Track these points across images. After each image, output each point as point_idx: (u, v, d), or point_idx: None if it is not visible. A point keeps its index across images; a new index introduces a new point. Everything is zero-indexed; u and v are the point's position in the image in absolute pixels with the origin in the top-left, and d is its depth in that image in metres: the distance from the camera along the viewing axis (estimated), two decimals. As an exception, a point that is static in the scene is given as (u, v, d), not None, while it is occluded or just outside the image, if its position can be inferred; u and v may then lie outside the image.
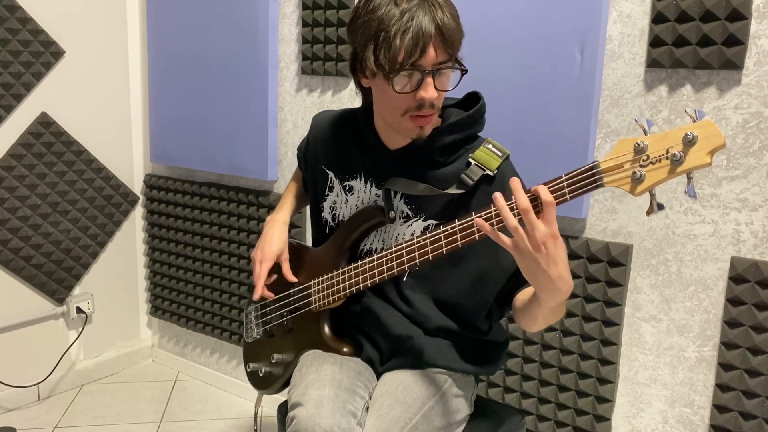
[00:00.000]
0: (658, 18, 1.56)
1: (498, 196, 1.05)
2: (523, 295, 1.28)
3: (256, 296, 1.46)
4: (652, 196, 1.02)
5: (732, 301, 1.57)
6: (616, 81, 1.66)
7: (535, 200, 1.03)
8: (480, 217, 1.13)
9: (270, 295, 1.47)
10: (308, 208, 1.58)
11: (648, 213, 1.02)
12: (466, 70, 1.23)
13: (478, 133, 1.36)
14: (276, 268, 1.48)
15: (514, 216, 1.04)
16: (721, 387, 1.60)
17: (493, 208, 1.11)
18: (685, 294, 1.64)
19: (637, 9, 1.61)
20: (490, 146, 1.30)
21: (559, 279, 1.05)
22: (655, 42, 1.58)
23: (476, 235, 1.14)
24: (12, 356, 2.48)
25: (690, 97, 1.57)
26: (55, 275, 2.56)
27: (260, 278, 1.45)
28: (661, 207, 1.01)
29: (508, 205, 1.04)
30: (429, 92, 1.19)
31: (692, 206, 1.60)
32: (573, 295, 1.76)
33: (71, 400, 2.59)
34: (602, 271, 1.72)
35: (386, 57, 1.17)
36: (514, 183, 1.04)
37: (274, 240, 1.48)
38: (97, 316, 2.74)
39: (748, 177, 1.53)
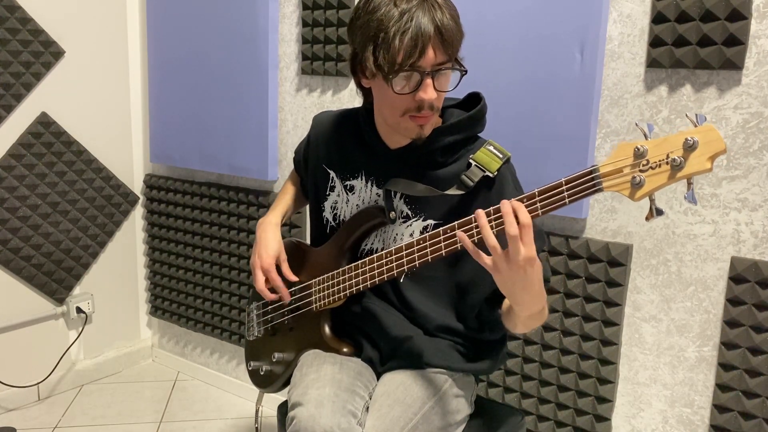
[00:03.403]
0: (658, 18, 1.56)
1: (480, 214, 1.07)
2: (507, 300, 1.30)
3: (286, 300, 1.47)
4: (652, 201, 1.01)
5: (732, 301, 1.57)
6: (616, 81, 1.66)
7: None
8: (463, 228, 1.14)
9: (287, 296, 1.47)
10: (308, 207, 1.58)
11: (647, 218, 1.02)
12: (466, 71, 1.23)
13: (479, 134, 1.36)
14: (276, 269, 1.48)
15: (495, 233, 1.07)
16: (721, 387, 1.60)
17: (474, 223, 1.12)
18: (685, 294, 1.64)
19: (637, 9, 1.61)
20: (491, 147, 1.30)
21: (534, 297, 1.11)
22: (655, 42, 1.58)
23: (475, 238, 1.14)
24: (12, 356, 2.48)
25: (690, 97, 1.57)
26: (55, 275, 2.56)
27: (280, 285, 1.45)
28: (660, 212, 1.01)
29: (489, 219, 1.07)
30: (428, 93, 1.19)
31: (692, 206, 1.60)
32: (573, 295, 1.77)
33: (71, 400, 2.59)
34: (602, 271, 1.72)
35: (385, 58, 1.16)
36: (505, 207, 1.04)
37: (269, 243, 1.48)
38: (97, 316, 2.74)
39: (748, 177, 1.53)
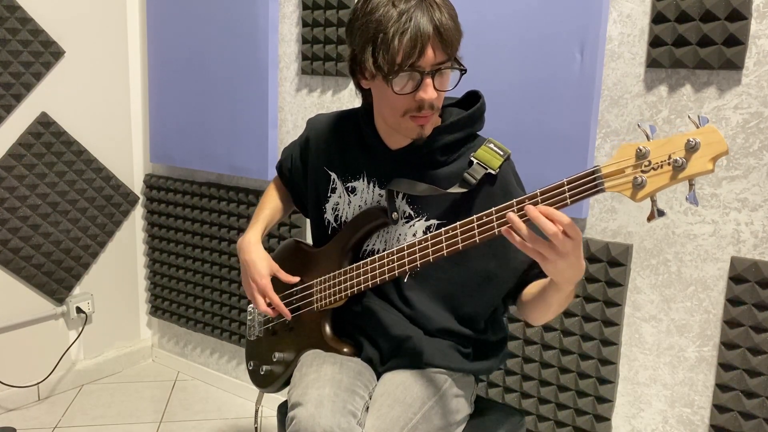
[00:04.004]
0: (658, 18, 1.56)
1: (531, 209, 1.05)
2: (532, 288, 1.29)
3: (289, 317, 1.46)
4: (653, 202, 1.01)
5: (732, 301, 1.57)
6: (616, 81, 1.66)
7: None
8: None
9: (287, 314, 1.46)
10: (308, 207, 1.57)
11: (649, 219, 1.02)
12: (466, 70, 1.23)
13: (478, 132, 1.36)
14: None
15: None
16: (721, 387, 1.60)
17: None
18: (685, 294, 1.64)
19: (637, 9, 1.61)
20: (492, 145, 1.30)
21: (581, 270, 1.10)
22: (655, 42, 1.58)
23: (477, 238, 1.14)
24: (12, 356, 2.48)
25: (690, 97, 1.57)
26: (55, 275, 2.56)
27: (279, 304, 1.45)
28: (661, 213, 1.01)
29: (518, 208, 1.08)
30: (428, 93, 1.19)
31: (693, 206, 1.60)
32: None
33: (71, 400, 2.59)
34: (602, 271, 1.72)
35: (385, 59, 1.16)
36: (533, 211, 1.05)
37: (257, 264, 1.46)
38: (97, 316, 2.74)
39: (748, 177, 1.53)
